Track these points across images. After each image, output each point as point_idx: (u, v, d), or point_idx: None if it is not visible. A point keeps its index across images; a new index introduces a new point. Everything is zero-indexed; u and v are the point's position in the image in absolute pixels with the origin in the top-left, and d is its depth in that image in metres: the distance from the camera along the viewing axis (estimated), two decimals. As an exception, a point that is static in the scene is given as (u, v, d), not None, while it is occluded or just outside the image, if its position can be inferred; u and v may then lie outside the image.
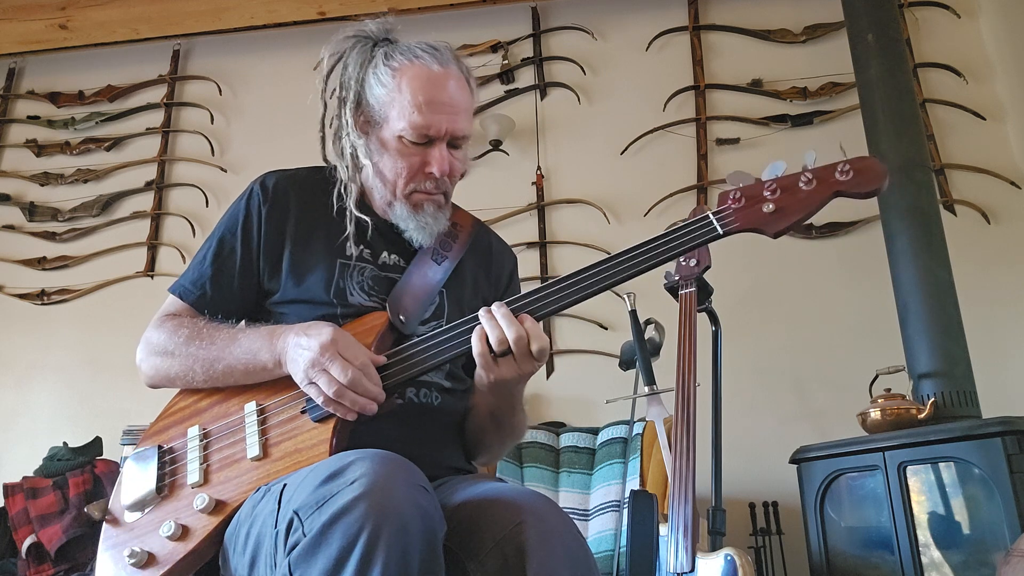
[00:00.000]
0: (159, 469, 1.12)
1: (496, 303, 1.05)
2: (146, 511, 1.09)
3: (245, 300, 1.23)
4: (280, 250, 1.21)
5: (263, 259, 1.21)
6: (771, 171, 1.04)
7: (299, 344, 1.05)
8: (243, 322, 1.22)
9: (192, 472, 1.09)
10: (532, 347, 1.02)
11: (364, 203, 1.27)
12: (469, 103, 1.22)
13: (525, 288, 1.44)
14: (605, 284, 1.05)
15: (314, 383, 1.03)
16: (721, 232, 1.03)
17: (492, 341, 1.02)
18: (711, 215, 1.04)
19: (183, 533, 1.04)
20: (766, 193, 1.02)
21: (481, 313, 1.05)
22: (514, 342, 1.01)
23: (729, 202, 1.04)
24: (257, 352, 1.10)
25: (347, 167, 1.24)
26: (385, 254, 1.25)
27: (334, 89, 1.25)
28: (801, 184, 1.01)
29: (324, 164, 1.29)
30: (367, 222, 1.24)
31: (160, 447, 1.15)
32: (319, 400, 1.03)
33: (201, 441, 1.12)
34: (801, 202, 1.01)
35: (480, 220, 1.41)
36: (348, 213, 1.22)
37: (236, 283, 1.22)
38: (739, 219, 1.03)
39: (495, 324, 1.03)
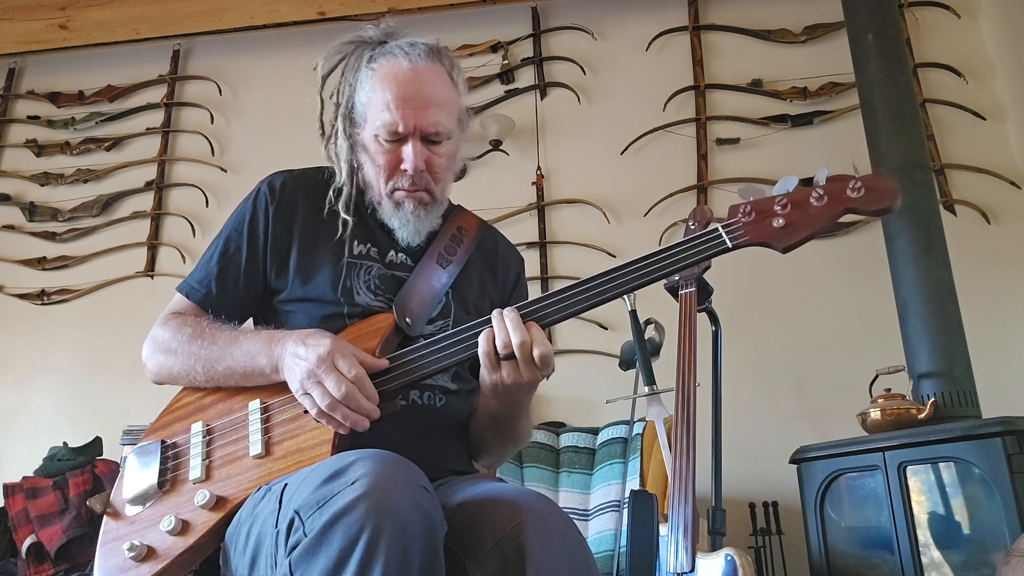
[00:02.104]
0: (161, 464, 1.13)
1: (509, 307, 1.06)
2: (147, 505, 1.10)
3: (250, 299, 1.24)
4: (287, 249, 1.22)
5: (270, 258, 1.22)
6: (782, 186, 1.03)
7: (296, 354, 1.05)
8: (249, 322, 1.23)
9: (194, 468, 1.10)
10: (534, 352, 1.02)
11: (364, 203, 1.27)
12: (446, 98, 1.21)
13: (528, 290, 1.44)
14: (614, 293, 1.05)
15: (309, 394, 1.03)
16: (730, 245, 1.03)
17: (497, 344, 1.03)
18: (720, 228, 1.04)
19: (183, 528, 1.04)
20: (776, 208, 1.01)
21: (494, 314, 1.05)
22: (518, 347, 1.02)
23: (739, 215, 1.03)
24: (255, 356, 1.10)
25: (340, 170, 1.25)
26: (393, 253, 1.26)
27: (332, 93, 1.26)
28: (812, 200, 1.00)
29: (329, 164, 1.30)
30: (372, 221, 1.25)
31: (163, 442, 1.16)
32: (312, 412, 1.04)
33: (204, 437, 1.13)
34: (812, 218, 1.00)
35: (487, 223, 1.41)
36: (339, 215, 1.23)
37: (241, 282, 1.23)
38: (749, 233, 1.02)
39: (503, 327, 1.04)
